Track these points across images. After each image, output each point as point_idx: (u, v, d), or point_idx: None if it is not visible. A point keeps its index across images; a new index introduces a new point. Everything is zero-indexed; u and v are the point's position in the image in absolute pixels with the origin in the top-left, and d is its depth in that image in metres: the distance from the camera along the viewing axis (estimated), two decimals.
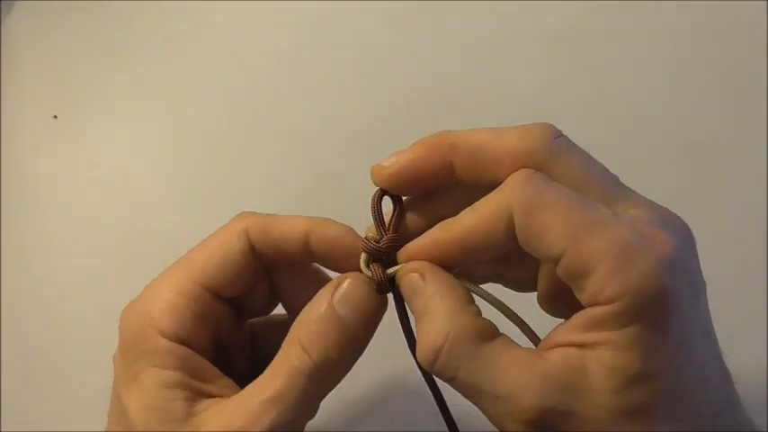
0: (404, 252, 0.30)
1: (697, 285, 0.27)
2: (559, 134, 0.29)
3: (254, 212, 0.33)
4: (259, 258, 0.32)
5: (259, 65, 0.60)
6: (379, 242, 0.30)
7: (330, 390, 0.31)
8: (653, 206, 0.28)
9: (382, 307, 0.31)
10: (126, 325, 0.31)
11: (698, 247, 0.28)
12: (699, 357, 0.26)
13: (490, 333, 0.28)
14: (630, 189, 0.29)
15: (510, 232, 0.27)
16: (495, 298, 0.30)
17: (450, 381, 0.27)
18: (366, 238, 0.31)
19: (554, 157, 0.28)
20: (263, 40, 0.61)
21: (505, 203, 0.27)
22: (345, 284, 0.30)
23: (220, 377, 0.31)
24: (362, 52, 0.60)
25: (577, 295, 0.26)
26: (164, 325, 0.30)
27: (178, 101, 0.60)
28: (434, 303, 0.28)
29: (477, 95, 0.57)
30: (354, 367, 0.32)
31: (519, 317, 0.30)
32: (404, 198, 0.32)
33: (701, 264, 0.28)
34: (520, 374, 0.26)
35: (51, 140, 0.59)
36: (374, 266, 0.30)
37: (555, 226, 0.26)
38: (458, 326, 0.27)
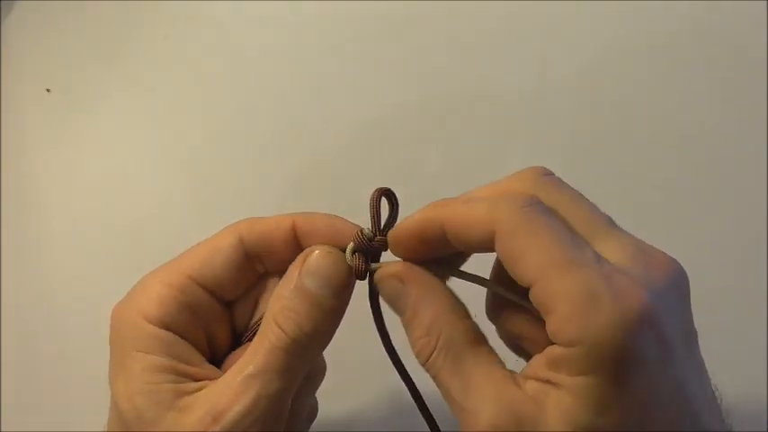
0: (392, 233, 0.31)
1: (671, 338, 0.25)
2: (550, 173, 0.29)
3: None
4: (251, 259, 0.32)
5: (259, 65, 0.60)
6: (371, 240, 0.31)
7: (312, 361, 0.32)
8: (640, 252, 0.27)
9: (351, 276, 0.31)
10: (114, 318, 0.32)
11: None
12: (664, 417, 0.25)
13: (477, 340, 0.28)
14: (620, 230, 0.28)
15: (490, 244, 0.27)
16: (480, 277, 0.30)
17: (433, 377, 0.29)
18: (361, 232, 0.31)
19: (540, 192, 0.28)
20: (263, 40, 0.61)
21: (493, 216, 0.27)
22: (311, 257, 0.31)
23: (205, 363, 0.32)
24: (363, 52, 0.59)
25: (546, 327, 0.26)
26: (149, 311, 0.30)
27: (178, 101, 0.60)
28: (421, 306, 0.29)
29: (476, 95, 0.57)
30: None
31: (505, 290, 0.30)
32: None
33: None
34: (487, 394, 0.26)
35: (51, 140, 0.59)
36: (357, 256, 0.31)
37: (530, 256, 0.26)
38: (446, 328, 0.28)
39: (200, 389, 0.30)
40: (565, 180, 0.30)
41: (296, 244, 0.32)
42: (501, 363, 0.28)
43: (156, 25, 0.62)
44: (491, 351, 0.29)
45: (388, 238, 0.31)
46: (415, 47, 0.59)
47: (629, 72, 0.56)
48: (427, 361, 0.28)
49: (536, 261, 0.25)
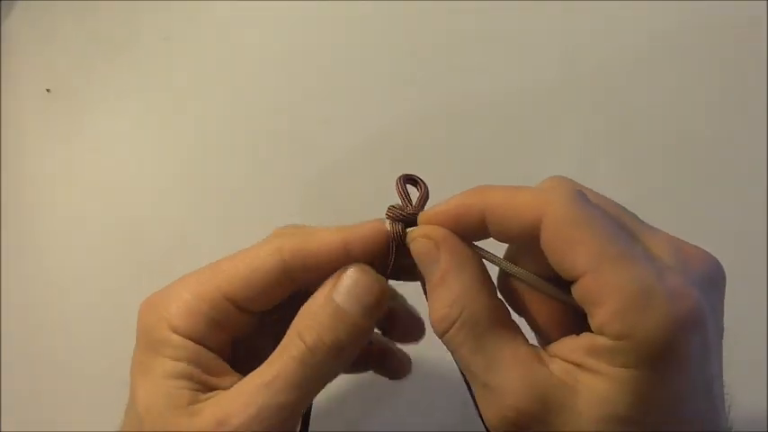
0: (424, 216, 0.30)
1: (712, 338, 0.26)
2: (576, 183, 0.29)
3: (287, 231, 0.32)
4: (292, 278, 0.32)
5: (259, 65, 0.60)
6: (403, 210, 0.31)
7: (329, 376, 0.31)
8: (679, 248, 0.27)
9: (384, 296, 0.31)
10: (143, 317, 0.32)
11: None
12: (693, 413, 0.26)
13: (502, 317, 0.28)
14: (651, 226, 0.29)
15: (533, 231, 0.27)
16: (515, 266, 0.29)
17: (452, 352, 0.28)
18: (392, 206, 0.31)
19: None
20: (263, 40, 0.61)
21: (541, 203, 0.26)
22: (345, 275, 0.31)
23: (231, 373, 0.31)
24: (362, 52, 0.59)
25: (588, 318, 0.26)
26: (177, 324, 0.31)
27: (178, 101, 0.60)
28: (451, 277, 0.28)
29: (477, 97, 0.57)
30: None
31: (543, 282, 0.29)
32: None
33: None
34: (514, 373, 0.26)
35: (51, 140, 0.59)
36: (395, 224, 0.31)
37: (581, 247, 0.25)
38: (472, 305, 0.28)
39: (216, 395, 0.30)
40: (583, 177, 0.30)
41: (346, 261, 0.31)
42: (525, 339, 0.28)
43: (156, 25, 0.62)
44: (516, 328, 0.28)
45: (419, 222, 0.30)
46: (416, 46, 0.59)
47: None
48: (446, 333, 0.28)
49: (588, 252, 0.25)
